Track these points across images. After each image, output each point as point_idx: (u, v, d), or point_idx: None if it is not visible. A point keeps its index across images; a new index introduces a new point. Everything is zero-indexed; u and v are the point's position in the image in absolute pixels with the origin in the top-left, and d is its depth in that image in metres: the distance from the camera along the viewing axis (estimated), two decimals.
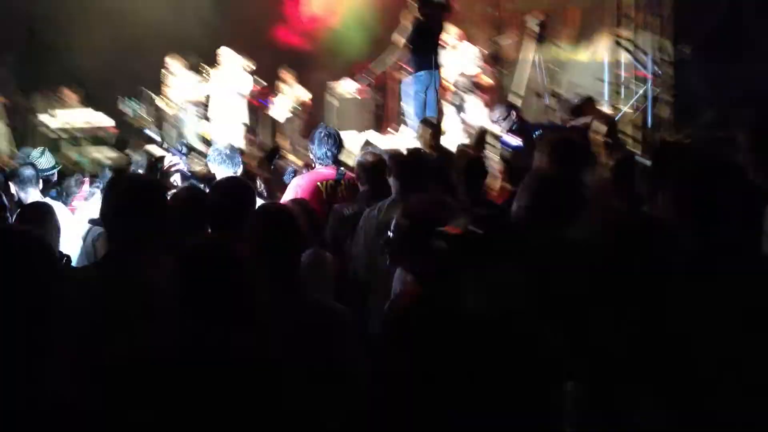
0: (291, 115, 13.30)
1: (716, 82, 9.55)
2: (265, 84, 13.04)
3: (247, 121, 12.39)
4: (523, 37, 11.85)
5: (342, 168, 6.07)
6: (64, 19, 13.13)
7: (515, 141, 7.87)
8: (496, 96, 11.11)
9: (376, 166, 5.49)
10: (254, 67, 12.23)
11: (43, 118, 12.36)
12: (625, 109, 10.24)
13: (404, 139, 10.43)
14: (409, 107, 10.19)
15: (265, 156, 7.87)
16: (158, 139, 11.27)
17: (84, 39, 13.16)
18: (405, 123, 10.88)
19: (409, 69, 10.30)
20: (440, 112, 9.93)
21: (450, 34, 10.80)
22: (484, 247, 2.66)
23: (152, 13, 13.24)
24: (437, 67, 10.00)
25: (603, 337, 2.65)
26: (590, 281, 2.76)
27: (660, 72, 10.67)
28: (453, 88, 11.06)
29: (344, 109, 13.05)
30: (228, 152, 6.16)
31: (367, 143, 10.97)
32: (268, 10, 14.64)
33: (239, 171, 6.10)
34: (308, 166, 7.33)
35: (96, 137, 12.42)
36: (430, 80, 9.78)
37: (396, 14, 10.25)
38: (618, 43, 9.62)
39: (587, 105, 9.00)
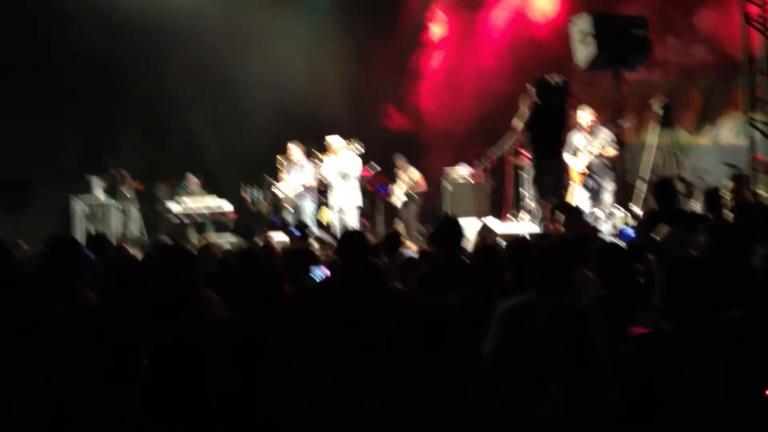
0: (407, 200, 13.38)
1: None
2: (379, 169, 13.17)
3: (361, 205, 12.48)
4: (644, 120, 11.64)
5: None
6: (185, 105, 13.69)
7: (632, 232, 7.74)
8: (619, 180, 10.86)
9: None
10: (363, 150, 12.36)
11: (167, 203, 12.79)
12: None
13: (523, 224, 10.27)
14: (530, 192, 10.06)
15: (384, 241, 7.82)
16: (278, 223, 11.45)
17: (204, 124, 13.69)
18: (524, 208, 10.74)
19: (528, 154, 10.20)
20: (563, 198, 9.71)
21: (585, 116, 10.66)
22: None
23: (267, 99, 13.68)
24: (560, 154, 9.83)
25: None
26: None
27: None
28: (587, 171, 10.79)
29: (458, 193, 13.01)
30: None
31: (485, 228, 10.86)
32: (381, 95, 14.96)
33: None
34: (424, 252, 7.24)
35: (218, 222, 12.77)
36: (552, 168, 9.60)
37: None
38: (752, 125, 9.30)
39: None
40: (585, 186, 10.70)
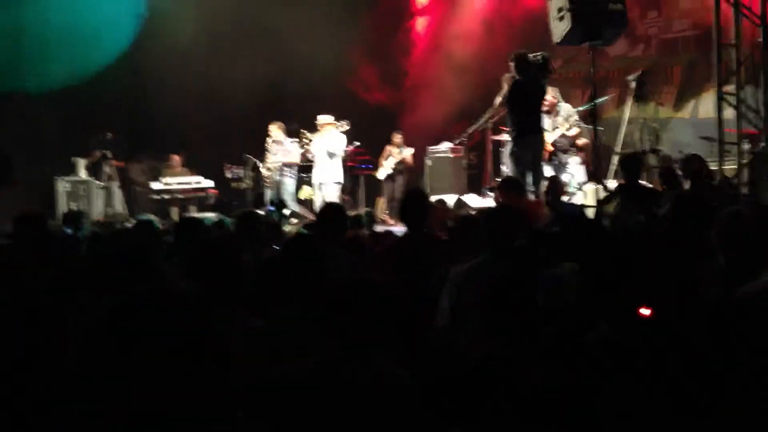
0: (392, 173, 13.47)
1: None
2: (359, 144, 13.22)
3: (342, 180, 12.54)
4: (622, 95, 11.71)
5: None
6: (168, 90, 13.71)
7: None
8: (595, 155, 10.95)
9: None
10: (348, 127, 12.40)
11: (150, 182, 12.89)
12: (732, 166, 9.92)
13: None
14: (509, 169, 10.11)
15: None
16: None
17: (187, 107, 13.70)
18: None
19: (507, 130, 10.25)
20: (541, 174, 9.78)
21: (548, 94, 10.72)
22: None
23: (250, 81, 13.69)
24: (538, 129, 9.86)
25: None
26: None
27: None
28: (551, 149, 10.96)
29: (437, 169, 13.09)
30: None
31: (459, 202, 10.95)
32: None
33: None
34: None
35: (198, 199, 12.89)
36: (530, 143, 9.63)
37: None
38: (723, 99, 9.33)
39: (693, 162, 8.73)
40: (551, 163, 10.85)
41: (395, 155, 13.64)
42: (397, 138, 13.74)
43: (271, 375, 2.99)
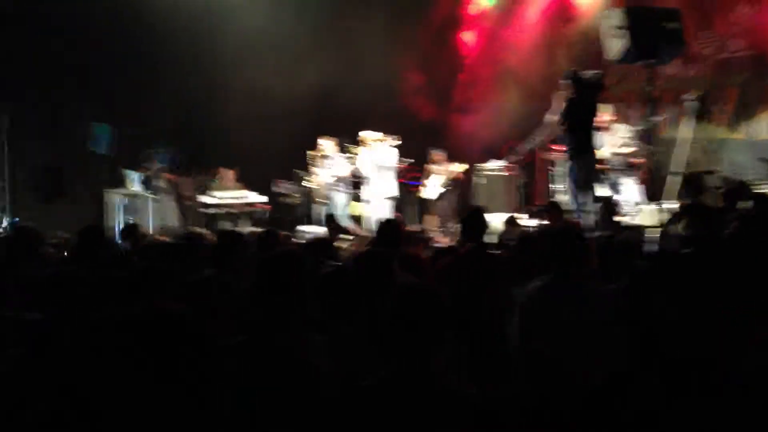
0: (443, 191, 13.42)
1: None
2: (412, 161, 13.20)
3: (397, 195, 12.52)
4: (678, 114, 11.56)
5: None
6: (219, 101, 13.84)
7: None
8: (650, 174, 10.83)
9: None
10: (399, 142, 12.40)
11: (200, 196, 12.99)
12: None
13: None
14: (563, 188, 10.03)
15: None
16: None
17: (238, 119, 13.82)
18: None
19: (561, 149, 10.17)
20: (593, 191, 9.67)
21: (604, 113, 10.63)
22: None
23: (301, 99, 13.79)
24: (592, 148, 9.78)
25: None
26: None
27: None
28: (606, 167, 10.85)
29: (490, 187, 13.01)
30: None
31: (511, 221, 10.87)
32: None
33: None
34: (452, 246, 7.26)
35: (250, 214, 12.96)
36: (585, 162, 9.54)
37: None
38: None
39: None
40: (606, 182, 10.76)
41: (439, 173, 13.56)
42: (437, 156, 13.64)
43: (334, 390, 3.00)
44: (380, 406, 2.80)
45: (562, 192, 10.44)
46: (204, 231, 9.86)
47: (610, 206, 8.91)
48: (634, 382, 2.98)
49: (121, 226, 11.45)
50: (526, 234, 6.15)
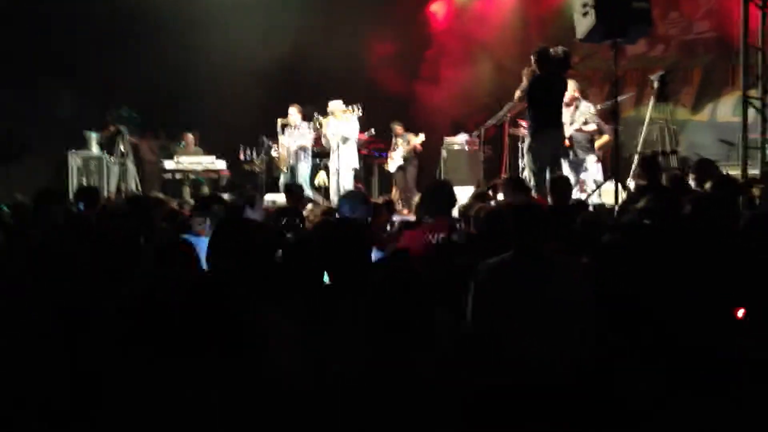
0: (403, 163, 13.42)
1: None
2: (374, 133, 13.17)
3: (358, 167, 12.51)
4: (643, 94, 11.64)
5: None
6: (183, 68, 13.65)
7: None
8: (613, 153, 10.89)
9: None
10: (360, 112, 12.34)
11: (163, 160, 12.87)
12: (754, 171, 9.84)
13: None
14: (527, 162, 10.04)
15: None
16: None
17: (202, 86, 13.65)
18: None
19: (526, 124, 10.19)
20: (559, 169, 9.71)
21: (568, 90, 10.65)
22: None
23: (266, 65, 13.64)
24: (558, 125, 9.80)
25: None
26: None
27: None
28: (568, 144, 10.90)
29: (453, 161, 13.04)
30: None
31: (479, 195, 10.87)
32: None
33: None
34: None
35: (210, 180, 12.88)
36: (549, 138, 9.56)
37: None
38: (748, 103, 9.24)
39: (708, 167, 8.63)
40: (567, 160, 10.79)
41: (402, 145, 13.60)
42: (398, 128, 13.68)
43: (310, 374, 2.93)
44: (356, 399, 2.72)
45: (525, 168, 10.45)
46: (161, 195, 9.78)
47: (561, 184, 8.76)
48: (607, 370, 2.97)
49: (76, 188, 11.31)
50: (492, 211, 6.07)
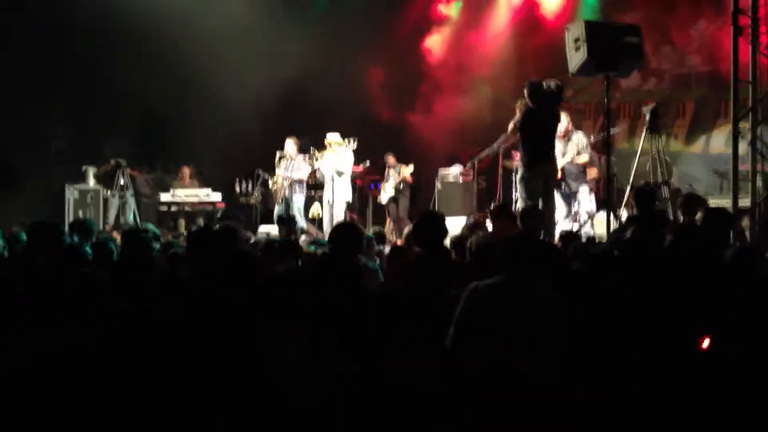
0: (394, 195, 13.50)
1: None
2: (368, 165, 13.25)
3: (350, 200, 12.57)
4: (636, 126, 11.73)
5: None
6: (180, 100, 13.77)
7: None
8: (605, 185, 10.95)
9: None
10: (354, 146, 12.42)
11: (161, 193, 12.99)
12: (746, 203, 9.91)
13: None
14: (520, 193, 10.08)
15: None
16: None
17: (198, 119, 13.76)
18: None
19: (518, 156, 10.24)
20: (552, 203, 9.75)
21: (561, 122, 10.73)
22: None
23: (263, 98, 13.76)
24: (550, 158, 9.85)
25: None
26: None
27: None
28: (560, 176, 10.94)
29: (447, 193, 13.12)
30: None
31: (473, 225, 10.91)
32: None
33: None
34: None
35: (205, 212, 12.96)
36: (541, 171, 9.60)
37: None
38: (740, 135, 9.33)
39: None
40: (559, 190, 10.84)
41: (393, 176, 13.70)
42: (391, 159, 13.79)
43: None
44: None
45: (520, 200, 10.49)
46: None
47: (532, 215, 8.70)
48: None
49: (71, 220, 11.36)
50: (485, 242, 6.12)
